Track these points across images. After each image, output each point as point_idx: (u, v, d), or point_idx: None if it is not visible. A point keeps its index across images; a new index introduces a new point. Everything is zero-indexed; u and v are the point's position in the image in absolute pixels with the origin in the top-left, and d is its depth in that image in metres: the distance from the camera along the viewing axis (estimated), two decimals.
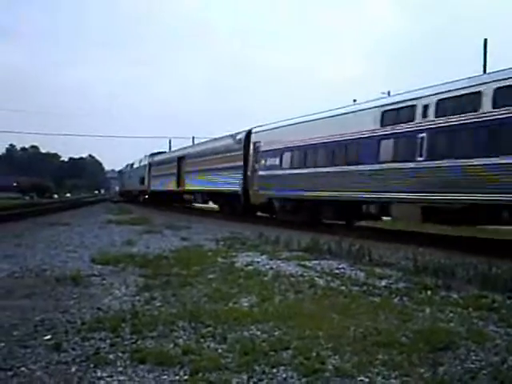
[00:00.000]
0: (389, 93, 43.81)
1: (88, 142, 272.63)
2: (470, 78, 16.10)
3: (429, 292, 8.62)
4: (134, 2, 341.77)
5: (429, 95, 16.86)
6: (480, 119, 14.76)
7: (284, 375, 4.87)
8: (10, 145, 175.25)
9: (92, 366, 5.07)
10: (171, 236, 18.23)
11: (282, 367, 5.05)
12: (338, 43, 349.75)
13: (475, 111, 14.90)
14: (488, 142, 14.57)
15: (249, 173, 28.34)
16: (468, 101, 15.39)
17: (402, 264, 11.52)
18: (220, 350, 5.56)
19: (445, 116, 16.03)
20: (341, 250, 13.41)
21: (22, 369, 4.98)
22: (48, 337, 5.98)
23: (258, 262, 11.62)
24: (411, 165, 17.09)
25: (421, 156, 16.76)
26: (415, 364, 5.14)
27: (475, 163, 14.70)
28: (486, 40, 32.97)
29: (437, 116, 16.33)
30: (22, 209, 36.97)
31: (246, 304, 7.65)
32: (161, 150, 57.89)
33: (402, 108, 18.17)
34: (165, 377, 4.83)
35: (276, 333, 6.17)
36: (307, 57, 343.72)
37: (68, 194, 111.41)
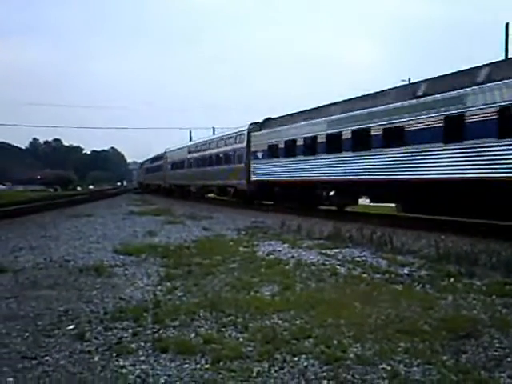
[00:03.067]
0: (409, 80, 43.08)
1: (110, 135, 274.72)
2: None
3: (451, 279, 8.56)
4: None
5: None
6: None
7: (305, 363, 4.87)
8: (34, 138, 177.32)
9: (115, 355, 5.13)
10: (193, 226, 18.30)
11: (304, 356, 5.05)
12: (354, 28, 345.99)
13: None
14: None
15: None
16: None
17: (424, 252, 11.43)
18: (241, 339, 5.57)
19: None
20: (362, 237, 13.35)
21: (47, 358, 5.05)
22: (71, 326, 6.05)
23: (280, 251, 11.62)
24: None
25: None
26: (438, 352, 5.11)
27: None
28: (507, 24, 32.29)
29: None
30: (46, 201, 37.36)
31: (267, 293, 7.66)
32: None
33: None
34: (186, 365, 4.85)
35: (297, 321, 6.17)
36: (325, 42, 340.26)
37: (91, 186, 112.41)
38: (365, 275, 8.94)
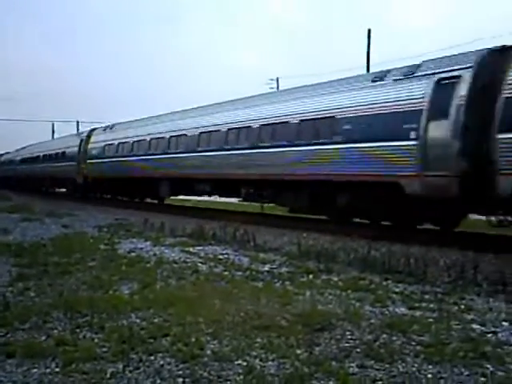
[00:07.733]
0: (277, 79, 44.63)
1: None
2: None
3: (310, 276, 8.82)
4: None
5: None
6: None
7: (161, 362, 4.76)
8: None
9: None
10: (51, 223, 17.48)
11: (160, 354, 4.95)
12: (234, 31, 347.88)
13: None
14: None
15: None
16: None
17: (286, 249, 11.72)
18: (96, 340, 5.36)
19: None
20: (225, 235, 13.45)
21: None
22: None
23: (142, 249, 11.43)
24: None
25: None
26: (293, 346, 5.21)
27: None
28: (369, 30, 34.18)
29: None
30: None
31: (126, 291, 7.46)
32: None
33: None
34: (35, 370, 4.58)
35: (155, 320, 6.05)
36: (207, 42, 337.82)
37: None
38: (226, 273, 8.98)
